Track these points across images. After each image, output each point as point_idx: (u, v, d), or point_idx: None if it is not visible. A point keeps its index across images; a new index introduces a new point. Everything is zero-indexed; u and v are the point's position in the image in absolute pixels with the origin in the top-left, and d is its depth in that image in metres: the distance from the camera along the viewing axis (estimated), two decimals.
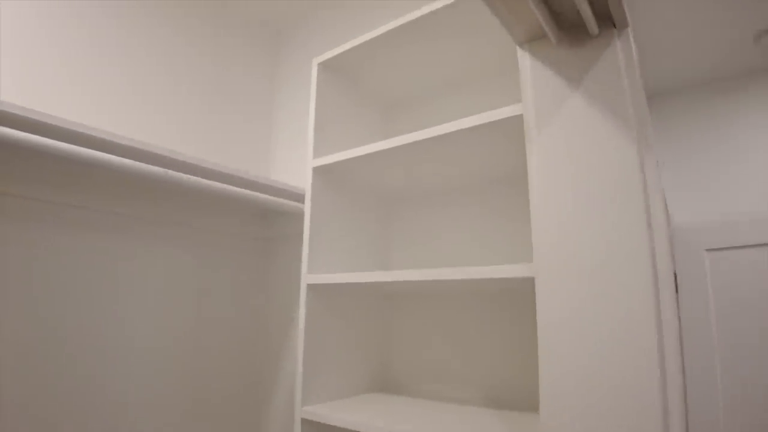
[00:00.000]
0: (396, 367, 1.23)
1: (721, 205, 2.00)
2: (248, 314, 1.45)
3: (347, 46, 1.13)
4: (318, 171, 1.11)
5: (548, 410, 0.65)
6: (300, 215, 1.30)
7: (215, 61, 1.54)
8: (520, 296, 1.04)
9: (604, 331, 0.63)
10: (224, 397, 1.35)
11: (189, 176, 1.11)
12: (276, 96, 1.76)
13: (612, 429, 0.61)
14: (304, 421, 0.99)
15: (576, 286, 0.66)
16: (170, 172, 1.07)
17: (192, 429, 1.26)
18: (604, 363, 0.63)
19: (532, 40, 0.78)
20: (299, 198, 1.37)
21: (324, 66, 1.19)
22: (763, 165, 1.96)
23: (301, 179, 1.52)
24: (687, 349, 1.92)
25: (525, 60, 0.78)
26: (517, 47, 0.80)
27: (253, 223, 1.51)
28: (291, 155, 1.62)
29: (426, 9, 0.98)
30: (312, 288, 1.04)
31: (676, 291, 1.96)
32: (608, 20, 0.71)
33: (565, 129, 0.72)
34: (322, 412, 0.95)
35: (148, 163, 1.06)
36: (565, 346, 0.66)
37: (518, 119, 0.80)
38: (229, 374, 1.37)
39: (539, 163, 0.73)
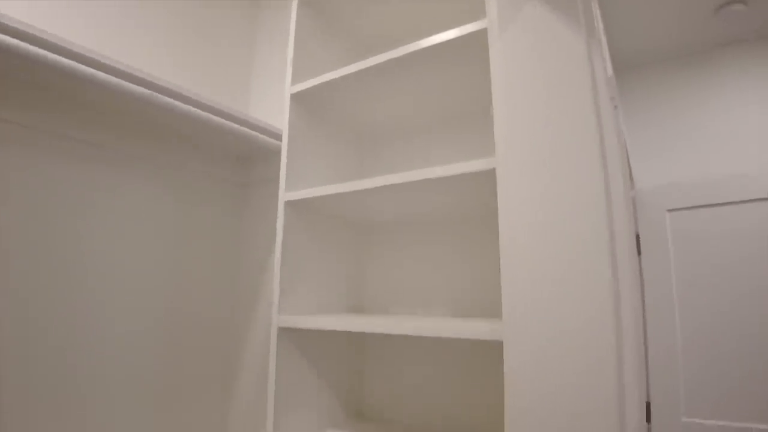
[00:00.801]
0: (369, 292, 1.29)
1: (683, 170, 2.10)
2: (226, 254, 1.48)
3: None
4: (296, 98, 1.16)
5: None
6: (278, 158, 1.31)
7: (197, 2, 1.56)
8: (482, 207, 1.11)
9: (561, 265, 0.69)
10: (203, 333, 1.38)
11: (173, 101, 1.13)
12: (257, 38, 1.79)
13: (568, 365, 0.66)
14: (281, 329, 1.03)
15: (533, 183, 0.72)
16: (156, 94, 1.09)
17: (171, 362, 1.29)
18: (561, 298, 0.68)
19: None
20: (278, 137, 1.40)
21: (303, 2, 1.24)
22: (722, 131, 2.07)
23: (280, 123, 1.56)
24: (649, 300, 2.02)
25: None
26: None
27: (233, 167, 1.54)
28: (271, 103, 1.66)
29: None
30: (290, 204, 1.09)
31: (639, 252, 2.06)
32: None
33: (524, 35, 0.78)
34: (298, 319, 0.99)
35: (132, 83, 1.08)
36: (525, 284, 0.71)
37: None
38: (207, 314, 1.40)
39: (500, 68, 0.79)
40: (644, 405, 2.00)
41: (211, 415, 1.40)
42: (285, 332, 1.04)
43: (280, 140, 1.40)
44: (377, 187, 0.93)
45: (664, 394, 1.97)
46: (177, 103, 1.15)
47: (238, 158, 1.57)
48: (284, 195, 1.08)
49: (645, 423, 2.00)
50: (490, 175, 0.77)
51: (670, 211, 2.02)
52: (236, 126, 1.30)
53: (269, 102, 1.66)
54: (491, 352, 1.07)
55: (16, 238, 1.02)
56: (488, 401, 1.05)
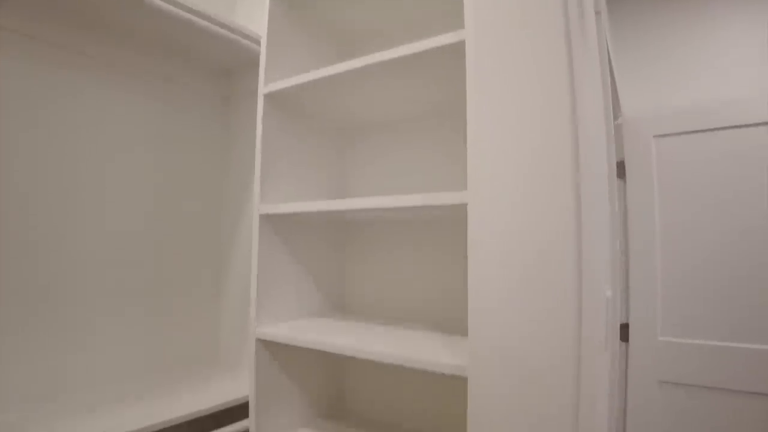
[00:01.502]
0: (352, 181, 1.31)
1: (671, 95, 2.09)
2: (212, 159, 1.49)
3: None
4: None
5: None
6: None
7: None
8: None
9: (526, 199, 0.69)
10: (192, 233, 1.40)
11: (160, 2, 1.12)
12: None
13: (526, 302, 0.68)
14: (263, 216, 1.06)
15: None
16: None
17: (163, 263, 1.31)
18: (521, 253, 0.69)
19: None
20: (259, 43, 1.39)
21: None
22: (711, 57, 2.05)
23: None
24: (631, 226, 2.06)
25: None
26: None
27: (218, 78, 1.53)
28: (255, 14, 1.63)
29: None
30: (269, 97, 1.09)
31: (624, 178, 2.08)
32: None
33: None
34: (279, 206, 1.01)
35: None
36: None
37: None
38: (195, 216, 1.42)
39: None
40: (617, 326, 2.07)
41: (204, 313, 1.44)
42: (266, 219, 1.07)
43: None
44: (354, 69, 0.93)
45: (642, 315, 2.03)
46: (163, 4, 1.13)
47: (222, 70, 1.55)
48: (264, 89, 1.08)
49: (621, 342, 2.08)
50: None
51: (656, 137, 2.03)
52: (219, 29, 1.28)
53: (254, 13, 1.63)
54: (457, 227, 1.10)
55: (11, 141, 1.02)
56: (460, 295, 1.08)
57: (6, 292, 1.01)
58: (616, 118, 2.09)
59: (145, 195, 1.29)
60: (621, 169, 2.09)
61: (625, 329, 2.07)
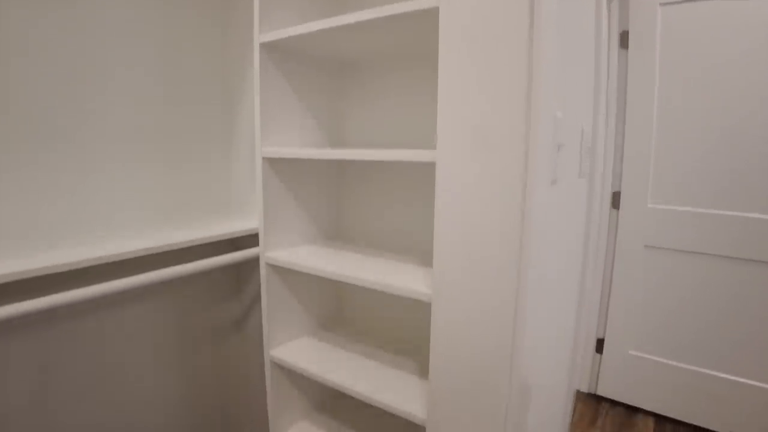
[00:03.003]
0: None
1: None
2: (210, 22, 1.52)
3: None
4: None
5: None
6: None
7: None
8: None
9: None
10: (199, 90, 1.48)
11: None
12: None
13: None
14: (262, 45, 1.12)
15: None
16: None
17: (174, 117, 1.39)
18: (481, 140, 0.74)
19: None
20: None
21: None
22: None
23: None
24: (630, 96, 2.09)
25: None
26: None
27: None
28: None
29: None
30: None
31: (627, 47, 2.08)
32: None
33: None
34: (279, 32, 1.07)
35: None
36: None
37: None
38: (197, 83, 1.48)
39: None
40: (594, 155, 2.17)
41: (216, 166, 1.56)
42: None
43: None
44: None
45: (634, 183, 2.12)
46: None
47: None
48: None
49: (612, 209, 2.19)
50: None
51: (662, 5, 2.00)
52: None
53: None
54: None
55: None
56: None
57: (30, 132, 1.11)
58: None
59: (152, 56, 1.35)
60: (624, 39, 2.09)
61: (617, 197, 2.18)
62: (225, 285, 1.64)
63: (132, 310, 1.35)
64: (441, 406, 0.90)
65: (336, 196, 1.41)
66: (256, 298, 1.65)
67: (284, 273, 1.25)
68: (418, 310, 1.29)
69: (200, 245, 1.48)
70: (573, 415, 2.17)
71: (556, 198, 0.93)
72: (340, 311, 1.47)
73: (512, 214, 0.76)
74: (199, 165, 1.50)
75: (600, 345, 2.28)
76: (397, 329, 1.34)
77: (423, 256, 1.22)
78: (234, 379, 1.73)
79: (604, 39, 1.76)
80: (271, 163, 1.18)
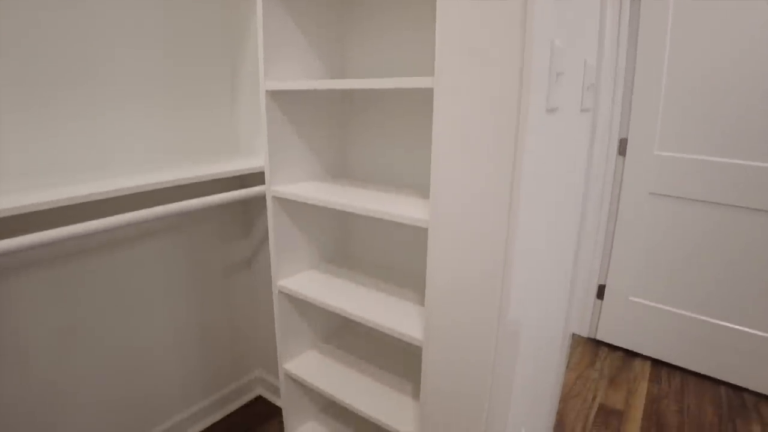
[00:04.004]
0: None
1: None
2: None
3: None
4: None
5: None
6: None
7: None
8: None
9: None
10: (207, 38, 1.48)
11: None
12: None
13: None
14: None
15: None
16: None
17: (179, 64, 1.41)
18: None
19: None
20: None
21: None
22: None
23: None
24: (641, 45, 2.05)
25: None
26: None
27: None
28: None
29: None
30: None
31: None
32: None
33: None
34: None
35: None
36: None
37: None
38: (203, 28, 1.48)
39: None
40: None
41: (223, 109, 1.59)
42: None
43: None
44: None
45: (641, 130, 2.11)
46: None
47: None
48: None
49: (618, 155, 2.18)
50: None
51: None
52: None
53: None
54: None
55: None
56: None
57: (43, 74, 1.14)
58: None
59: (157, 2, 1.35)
60: None
61: (623, 143, 2.17)
62: (234, 223, 1.70)
63: (144, 246, 1.42)
64: (435, 330, 0.95)
65: (340, 135, 1.43)
66: (265, 238, 1.71)
67: (290, 206, 1.29)
68: (420, 245, 1.33)
69: (209, 182, 1.53)
70: (572, 357, 2.24)
71: (554, 127, 0.95)
72: (346, 245, 1.52)
73: (506, 137, 0.78)
74: (206, 105, 1.53)
75: (601, 291, 2.33)
76: (399, 262, 1.39)
77: (424, 190, 1.25)
78: (244, 310, 1.81)
79: None
80: (275, 96, 1.19)
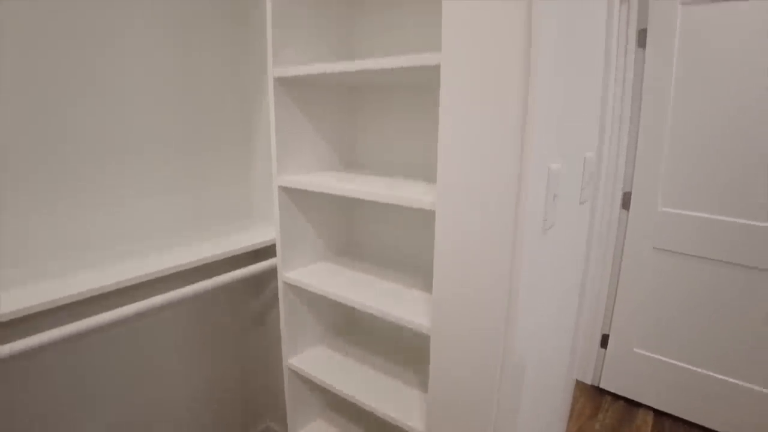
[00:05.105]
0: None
1: None
2: (230, 40, 1.56)
3: None
4: None
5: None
6: None
7: None
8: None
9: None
10: (220, 94, 1.54)
11: None
12: None
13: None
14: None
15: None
16: None
17: (194, 121, 1.46)
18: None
19: None
20: None
21: None
22: None
23: None
24: (646, 95, 2.07)
25: None
26: None
27: None
28: None
29: None
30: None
31: (644, 46, 2.04)
32: None
33: None
34: (289, 69, 1.12)
35: None
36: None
37: None
38: (217, 93, 1.53)
39: None
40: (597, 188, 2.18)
41: (237, 173, 1.63)
42: (279, 81, 1.19)
43: None
44: None
45: (645, 185, 2.13)
46: None
47: None
48: None
49: (621, 209, 2.21)
50: None
51: (683, 4, 1.94)
52: None
53: None
54: None
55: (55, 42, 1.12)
56: None
57: (61, 160, 1.20)
58: None
59: (172, 72, 1.40)
60: (642, 37, 2.05)
61: (627, 198, 2.19)
62: (246, 283, 1.75)
63: (158, 316, 1.47)
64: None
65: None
66: (276, 296, 1.75)
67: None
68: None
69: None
70: (575, 404, 2.26)
71: (551, 238, 0.98)
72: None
73: (504, 257, 0.81)
74: (221, 174, 1.58)
75: (605, 340, 2.34)
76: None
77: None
78: (254, 364, 1.86)
79: (614, 43, 1.74)
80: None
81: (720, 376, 2.04)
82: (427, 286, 1.21)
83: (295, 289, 1.35)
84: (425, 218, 1.34)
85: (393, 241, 1.43)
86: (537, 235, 0.86)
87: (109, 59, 1.25)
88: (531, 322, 0.93)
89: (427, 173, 1.30)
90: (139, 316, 1.41)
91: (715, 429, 2.08)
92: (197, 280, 1.50)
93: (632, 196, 2.17)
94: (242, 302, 1.75)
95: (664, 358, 2.18)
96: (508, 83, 0.75)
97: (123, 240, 1.34)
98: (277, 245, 1.30)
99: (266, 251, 1.70)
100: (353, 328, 1.56)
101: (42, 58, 1.13)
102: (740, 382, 1.99)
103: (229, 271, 1.59)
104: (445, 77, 0.82)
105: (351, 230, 1.53)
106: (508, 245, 0.80)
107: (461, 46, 0.79)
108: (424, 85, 1.25)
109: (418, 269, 1.34)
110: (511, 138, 0.76)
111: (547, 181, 0.87)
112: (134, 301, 1.34)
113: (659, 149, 2.07)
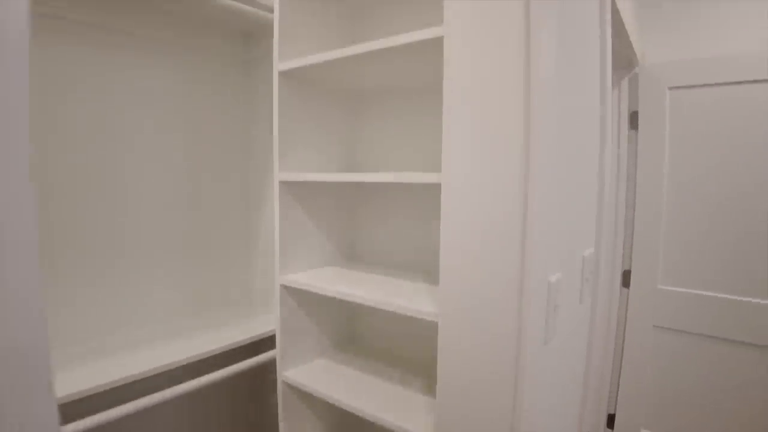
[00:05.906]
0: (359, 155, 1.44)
1: (689, 48, 2.05)
2: (234, 126, 1.62)
3: None
4: None
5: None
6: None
7: None
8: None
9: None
10: (222, 191, 1.57)
11: None
12: None
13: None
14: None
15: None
16: None
17: (197, 222, 1.48)
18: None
19: None
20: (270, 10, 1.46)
21: None
22: (732, 10, 1.97)
23: None
24: (640, 176, 2.12)
25: None
26: None
27: (237, 45, 1.62)
28: None
29: None
30: (283, 74, 1.20)
31: (637, 128, 2.11)
32: None
33: None
34: (291, 174, 1.15)
35: None
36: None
37: None
38: (224, 172, 1.57)
39: None
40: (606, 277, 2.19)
41: (238, 263, 1.65)
42: (284, 185, 1.22)
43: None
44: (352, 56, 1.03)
45: (644, 263, 2.14)
46: None
47: (241, 34, 1.64)
48: (278, 66, 1.19)
49: (622, 288, 2.20)
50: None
51: (671, 88, 2.02)
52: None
53: None
54: None
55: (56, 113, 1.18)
56: None
57: (73, 256, 1.22)
58: (632, 68, 2.09)
59: (176, 157, 1.45)
60: (634, 120, 2.12)
61: (627, 276, 2.19)
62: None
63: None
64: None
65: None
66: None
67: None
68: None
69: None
70: None
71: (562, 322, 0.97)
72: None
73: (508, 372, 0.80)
74: (223, 263, 1.60)
75: (611, 420, 2.28)
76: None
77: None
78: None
79: (610, 129, 1.79)
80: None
81: None
82: (428, 388, 1.19)
83: (295, 390, 1.33)
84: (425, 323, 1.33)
85: (396, 341, 1.42)
86: (538, 349, 0.85)
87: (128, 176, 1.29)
88: None
89: (425, 268, 1.32)
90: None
91: None
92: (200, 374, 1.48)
93: (632, 275, 2.18)
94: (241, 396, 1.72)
95: None
96: (508, 200, 0.77)
97: (126, 318, 1.33)
98: (277, 343, 1.30)
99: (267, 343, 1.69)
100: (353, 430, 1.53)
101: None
102: None
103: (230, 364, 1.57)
104: (445, 195, 0.85)
105: (352, 324, 1.52)
106: (511, 362, 0.80)
107: (459, 167, 0.82)
108: (421, 192, 1.28)
109: (419, 370, 1.33)
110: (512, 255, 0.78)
111: (547, 295, 0.87)
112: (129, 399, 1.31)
113: (656, 227, 2.09)
